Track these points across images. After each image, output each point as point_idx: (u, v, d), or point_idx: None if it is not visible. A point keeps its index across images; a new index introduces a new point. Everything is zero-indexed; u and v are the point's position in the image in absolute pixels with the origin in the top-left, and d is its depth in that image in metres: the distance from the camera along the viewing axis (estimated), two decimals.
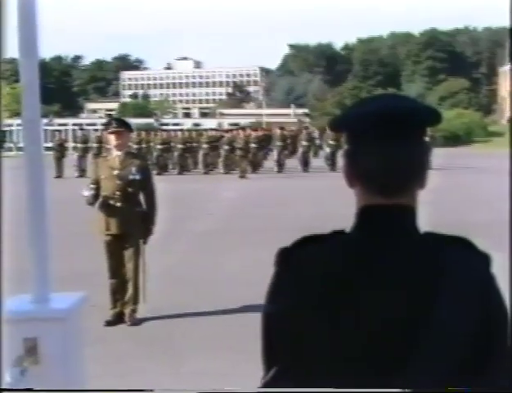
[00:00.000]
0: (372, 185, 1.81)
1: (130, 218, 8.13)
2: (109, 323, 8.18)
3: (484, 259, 1.81)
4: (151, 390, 3.97)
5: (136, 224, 8.18)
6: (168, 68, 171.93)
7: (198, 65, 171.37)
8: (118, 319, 8.26)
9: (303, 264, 1.83)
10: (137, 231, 8.23)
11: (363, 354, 1.73)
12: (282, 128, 38.18)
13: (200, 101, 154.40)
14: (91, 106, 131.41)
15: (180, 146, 33.78)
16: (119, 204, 8.14)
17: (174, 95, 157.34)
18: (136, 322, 8.22)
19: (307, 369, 1.78)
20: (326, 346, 1.76)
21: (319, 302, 1.77)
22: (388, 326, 1.72)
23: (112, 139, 8.33)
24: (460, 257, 1.78)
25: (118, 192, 8.15)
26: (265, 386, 1.86)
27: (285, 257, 1.87)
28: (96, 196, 8.20)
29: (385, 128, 1.76)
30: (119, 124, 8.34)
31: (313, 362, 1.77)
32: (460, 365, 1.70)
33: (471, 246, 1.82)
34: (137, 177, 8.21)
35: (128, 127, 8.53)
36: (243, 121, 69.74)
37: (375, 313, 1.73)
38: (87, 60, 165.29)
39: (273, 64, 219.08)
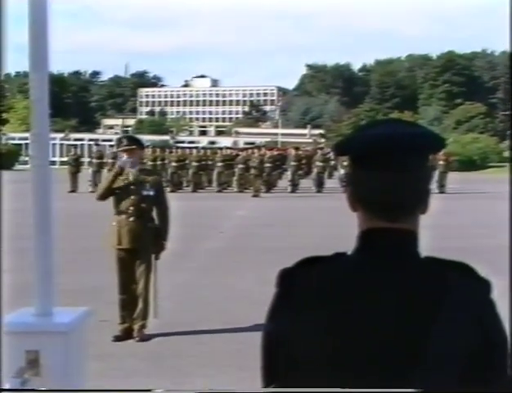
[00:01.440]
0: (374, 209, 1.82)
1: (142, 233, 8.18)
2: (117, 339, 8.19)
3: (484, 285, 1.81)
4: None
5: (149, 239, 8.22)
6: (186, 86, 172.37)
7: (215, 83, 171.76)
8: (126, 335, 8.27)
9: (304, 285, 1.84)
10: (150, 246, 8.26)
11: (361, 375, 1.75)
12: (297, 149, 38.22)
13: (217, 120, 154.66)
14: (108, 121, 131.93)
15: (195, 163, 33.87)
16: (131, 219, 8.20)
17: (191, 113, 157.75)
18: (145, 338, 8.23)
19: (303, 388, 1.79)
20: (324, 367, 1.78)
21: (318, 323, 1.79)
22: (387, 348, 1.74)
23: (124, 157, 8.40)
24: (460, 282, 1.78)
25: (131, 208, 8.21)
26: None
27: (286, 278, 1.89)
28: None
29: (388, 153, 1.78)
30: (130, 142, 8.44)
31: (310, 381, 1.79)
32: (458, 388, 1.71)
33: (471, 271, 1.83)
34: (151, 192, 8.27)
35: (139, 144, 8.62)
36: (258, 140, 69.79)
37: (373, 336, 1.75)
38: (106, 76, 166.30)
39: (290, 84, 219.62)
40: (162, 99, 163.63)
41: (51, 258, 2.87)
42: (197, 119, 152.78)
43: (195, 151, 37.30)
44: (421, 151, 1.85)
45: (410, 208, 1.83)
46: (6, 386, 2.37)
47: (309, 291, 1.83)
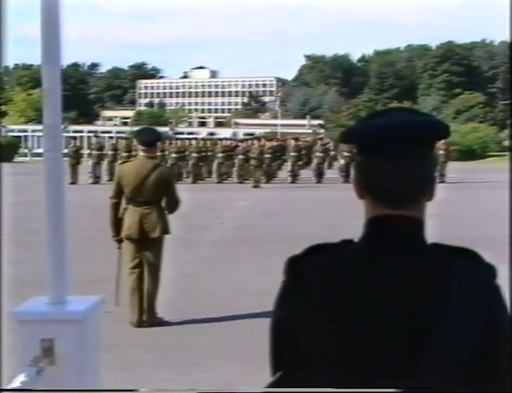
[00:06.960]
0: (381, 196, 1.85)
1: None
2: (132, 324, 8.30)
3: (490, 271, 1.84)
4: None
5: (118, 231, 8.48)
6: (185, 77, 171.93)
7: (214, 74, 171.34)
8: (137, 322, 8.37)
9: (311, 272, 1.86)
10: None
11: (367, 362, 1.77)
12: (297, 139, 38.16)
13: (216, 111, 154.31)
14: (107, 113, 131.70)
15: (194, 155, 33.84)
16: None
17: (190, 104, 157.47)
18: (145, 326, 8.30)
19: (310, 375, 1.81)
20: (331, 354, 1.80)
21: (325, 310, 1.81)
22: (394, 335, 1.76)
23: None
24: (466, 268, 1.81)
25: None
26: (268, 387, 1.90)
27: (294, 265, 1.91)
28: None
29: (394, 141, 1.81)
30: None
31: (317, 368, 1.81)
32: (464, 375, 1.74)
33: (477, 257, 1.86)
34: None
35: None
36: (258, 131, 69.79)
37: (380, 323, 1.77)
38: (104, 68, 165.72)
39: (289, 74, 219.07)
40: (161, 90, 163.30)
41: (64, 247, 2.91)
42: (196, 110, 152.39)
43: (194, 142, 37.19)
44: (428, 138, 1.88)
45: (416, 195, 1.86)
46: (22, 375, 2.40)
47: (317, 279, 1.85)
